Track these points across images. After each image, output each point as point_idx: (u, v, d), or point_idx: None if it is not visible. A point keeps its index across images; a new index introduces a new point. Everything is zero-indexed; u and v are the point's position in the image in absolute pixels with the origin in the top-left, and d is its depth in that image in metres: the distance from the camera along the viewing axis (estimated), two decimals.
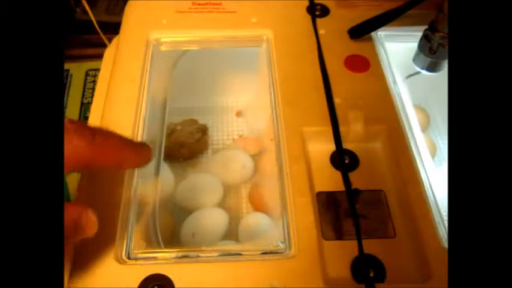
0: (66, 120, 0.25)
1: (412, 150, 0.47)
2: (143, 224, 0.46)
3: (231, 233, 0.55)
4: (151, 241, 0.47)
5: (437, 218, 0.39)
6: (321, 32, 0.57)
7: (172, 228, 0.55)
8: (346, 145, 0.48)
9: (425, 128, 0.64)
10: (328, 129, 0.46)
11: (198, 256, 0.40)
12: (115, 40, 0.60)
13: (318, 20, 0.58)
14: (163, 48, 0.59)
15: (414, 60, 0.57)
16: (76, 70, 0.79)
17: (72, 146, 0.25)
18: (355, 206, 0.42)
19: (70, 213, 0.25)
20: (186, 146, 0.62)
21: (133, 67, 0.54)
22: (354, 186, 0.43)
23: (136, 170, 0.46)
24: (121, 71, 0.54)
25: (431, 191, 0.41)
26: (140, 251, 0.41)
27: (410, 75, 0.57)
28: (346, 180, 0.42)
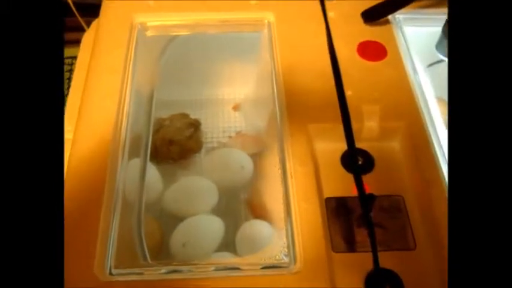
0: None
1: (434, 150, 0.47)
2: (127, 234, 0.46)
3: (228, 244, 0.55)
4: (136, 254, 0.47)
5: None
6: (331, 14, 0.57)
7: (160, 238, 0.55)
8: (359, 144, 0.48)
9: None
10: (339, 126, 0.46)
11: (190, 271, 0.40)
12: (94, 24, 0.60)
13: (327, 1, 0.58)
14: (149, 33, 0.59)
15: (437, 46, 0.58)
16: None
17: None
18: (370, 213, 0.42)
19: None
20: (175, 144, 0.62)
21: (116, 55, 0.54)
22: (368, 191, 0.44)
23: (118, 172, 0.46)
24: (101, 59, 0.54)
25: None
26: (123, 266, 0.41)
27: (432, 64, 0.57)
28: (359, 184, 0.42)
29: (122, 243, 0.43)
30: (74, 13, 0.67)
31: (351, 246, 0.42)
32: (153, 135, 0.57)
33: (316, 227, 0.42)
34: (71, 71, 0.84)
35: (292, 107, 0.50)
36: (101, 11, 0.59)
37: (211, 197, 0.58)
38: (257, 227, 0.55)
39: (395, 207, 0.45)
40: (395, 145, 0.50)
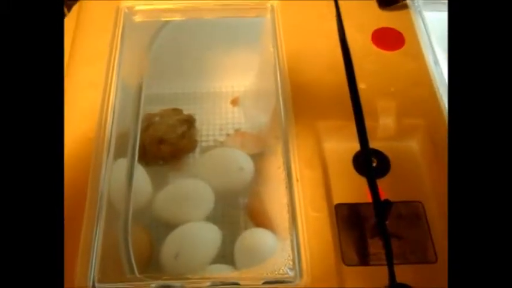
0: None
1: None
2: (112, 244, 0.46)
3: (226, 255, 0.55)
4: (122, 266, 0.46)
5: None
6: None
7: (149, 249, 0.54)
8: (374, 144, 0.48)
9: None
10: (351, 124, 0.46)
11: (183, 286, 0.40)
12: (75, 8, 0.59)
13: None
14: (137, 18, 0.58)
15: None
16: None
17: None
18: (385, 222, 0.43)
19: None
20: (167, 143, 0.62)
21: (100, 42, 0.54)
22: (383, 197, 0.43)
23: (102, 175, 0.46)
24: (83, 47, 0.54)
25: None
26: (108, 280, 0.41)
27: None
28: (374, 189, 0.42)
29: (107, 254, 0.43)
30: None
31: (364, 258, 0.42)
32: (141, 133, 0.57)
33: (325, 237, 0.41)
34: None
35: (298, 102, 0.50)
36: None
37: (206, 202, 0.58)
38: (258, 237, 0.55)
39: (413, 214, 0.45)
40: (413, 145, 0.49)
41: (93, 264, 0.41)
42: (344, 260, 0.42)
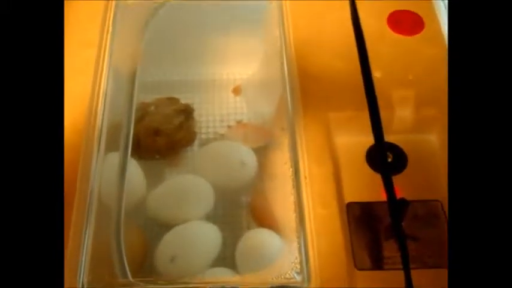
0: None
1: None
2: (103, 245, 0.46)
3: (226, 258, 0.54)
4: (114, 269, 0.46)
5: None
6: None
7: (143, 250, 0.54)
8: (390, 137, 0.47)
9: None
10: (364, 115, 0.45)
11: None
12: None
13: None
14: (131, 0, 0.58)
15: None
16: None
17: None
18: (401, 223, 0.42)
19: None
20: (162, 135, 0.61)
21: (90, 27, 0.54)
22: (399, 195, 0.43)
23: (93, 169, 0.46)
24: (72, 32, 0.53)
25: None
26: (99, 283, 0.41)
27: None
28: (389, 187, 0.41)
29: (97, 256, 0.43)
30: None
31: (377, 262, 0.42)
32: (135, 124, 0.56)
33: (335, 239, 0.41)
34: None
35: (307, 91, 0.49)
36: None
37: (205, 200, 0.57)
38: (262, 238, 0.54)
39: (432, 215, 0.45)
40: (432, 139, 0.49)
41: (83, 266, 0.41)
42: (356, 263, 0.41)
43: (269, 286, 0.40)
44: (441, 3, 0.57)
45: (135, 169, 0.57)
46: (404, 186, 0.45)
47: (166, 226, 0.55)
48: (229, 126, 0.66)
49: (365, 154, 0.48)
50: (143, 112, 0.62)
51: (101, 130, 0.48)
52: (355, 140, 0.48)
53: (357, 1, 0.53)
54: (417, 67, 0.51)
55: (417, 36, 0.53)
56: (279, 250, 0.51)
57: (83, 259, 0.41)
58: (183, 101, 0.66)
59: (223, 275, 0.51)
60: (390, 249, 0.43)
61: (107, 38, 0.53)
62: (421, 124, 0.49)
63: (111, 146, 0.51)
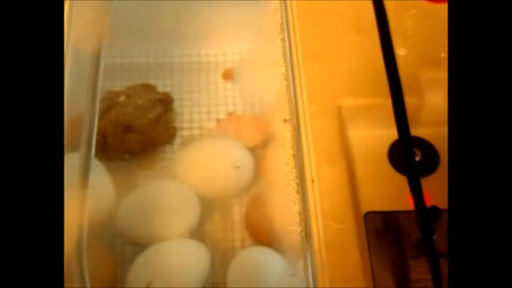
0: None
1: None
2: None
3: (216, 283, 0.53)
4: None
5: None
6: None
7: (111, 275, 0.52)
8: (417, 131, 0.45)
9: None
10: (386, 103, 0.40)
11: None
12: None
13: None
14: None
15: None
16: None
17: None
18: (433, 236, 0.39)
19: None
20: (135, 131, 0.60)
21: None
22: (429, 203, 0.40)
23: None
24: None
25: None
26: None
27: None
28: (417, 192, 0.38)
29: None
30: None
31: (402, 285, 0.40)
32: (100, 118, 0.53)
33: (351, 258, 0.39)
34: None
35: (314, 74, 0.47)
36: None
37: (189, 211, 0.56)
38: (259, 258, 0.53)
39: None
40: None
41: None
42: (376, 285, 0.40)
43: None
44: None
45: (100, 173, 0.55)
46: (435, 192, 0.42)
47: (140, 245, 0.54)
48: (218, 120, 0.65)
49: (387, 152, 0.46)
50: (110, 103, 0.61)
51: None
52: (373, 134, 0.46)
53: None
54: None
55: None
56: (280, 273, 0.50)
57: None
58: (160, 89, 0.64)
59: None
60: (419, 270, 0.41)
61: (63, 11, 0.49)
62: None
63: (70, 145, 0.47)
